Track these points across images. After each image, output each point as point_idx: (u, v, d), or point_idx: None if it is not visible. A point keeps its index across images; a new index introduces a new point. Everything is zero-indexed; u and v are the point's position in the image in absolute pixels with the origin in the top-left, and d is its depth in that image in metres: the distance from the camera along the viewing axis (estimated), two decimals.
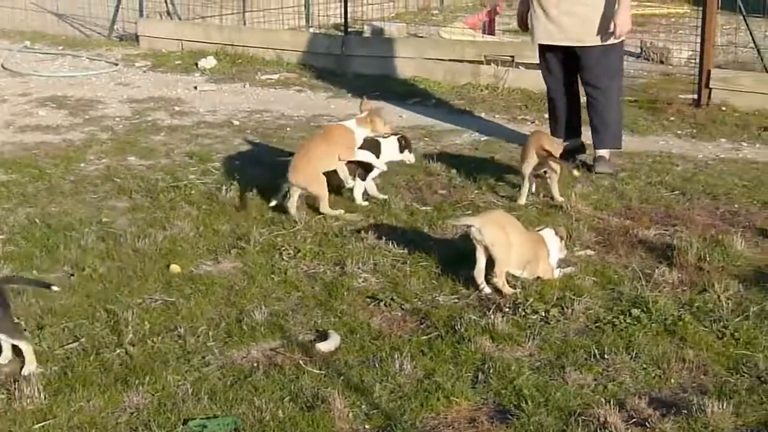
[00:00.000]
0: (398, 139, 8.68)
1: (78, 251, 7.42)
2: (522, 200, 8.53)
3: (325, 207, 8.18)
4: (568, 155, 9.18)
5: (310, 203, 8.28)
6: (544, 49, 9.71)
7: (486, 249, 6.66)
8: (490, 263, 6.70)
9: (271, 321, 6.30)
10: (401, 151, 8.68)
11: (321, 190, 8.19)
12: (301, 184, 8.17)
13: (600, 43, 9.26)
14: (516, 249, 6.72)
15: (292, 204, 8.15)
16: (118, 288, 6.78)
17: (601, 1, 9.15)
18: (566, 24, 9.31)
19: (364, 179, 8.58)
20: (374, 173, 8.62)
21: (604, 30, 9.17)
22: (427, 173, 9.26)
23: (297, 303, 6.62)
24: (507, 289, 6.67)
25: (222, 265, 7.25)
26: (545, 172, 8.56)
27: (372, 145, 8.49)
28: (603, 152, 9.46)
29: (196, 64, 14.46)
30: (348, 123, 8.43)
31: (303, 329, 6.24)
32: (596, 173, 9.23)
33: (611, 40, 9.22)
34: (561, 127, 9.72)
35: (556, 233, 7.04)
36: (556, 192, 8.53)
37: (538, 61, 10.03)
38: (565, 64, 9.58)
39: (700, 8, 11.93)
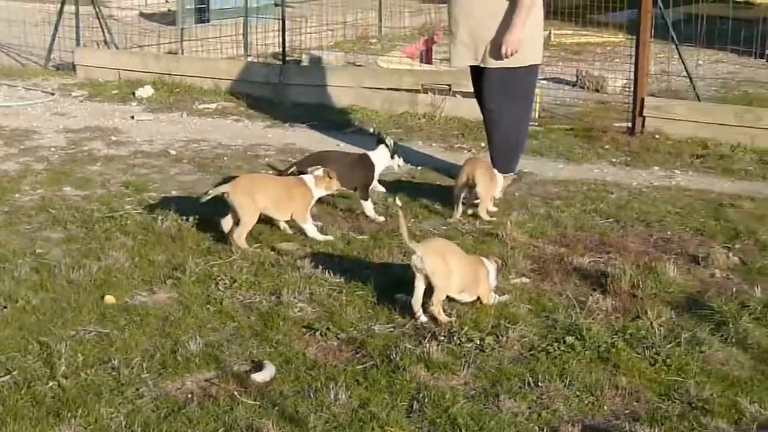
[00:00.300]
0: (385, 145, 9.09)
1: (11, 283, 7.35)
2: (455, 217, 8.81)
3: (241, 237, 8.08)
4: None
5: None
6: (470, 73, 9.83)
7: (426, 277, 6.68)
8: (428, 291, 6.73)
9: (206, 352, 6.28)
10: (392, 157, 9.15)
11: (249, 218, 8.12)
12: (234, 202, 8.07)
13: (500, 66, 9.31)
14: (456, 274, 6.75)
15: (227, 223, 8.17)
16: (52, 320, 6.72)
17: (503, 23, 9.20)
18: (473, 46, 9.39)
19: (366, 198, 8.90)
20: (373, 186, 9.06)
21: (501, 52, 9.25)
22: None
23: (232, 333, 6.60)
24: (443, 318, 6.68)
25: (157, 296, 7.22)
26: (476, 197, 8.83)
27: (365, 164, 8.90)
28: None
29: (134, 94, 14.41)
30: (307, 179, 8.39)
31: (238, 360, 6.22)
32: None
33: (512, 63, 9.26)
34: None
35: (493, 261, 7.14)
36: (482, 213, 8.79)
37: None
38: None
39: (634, 37, 12.06)
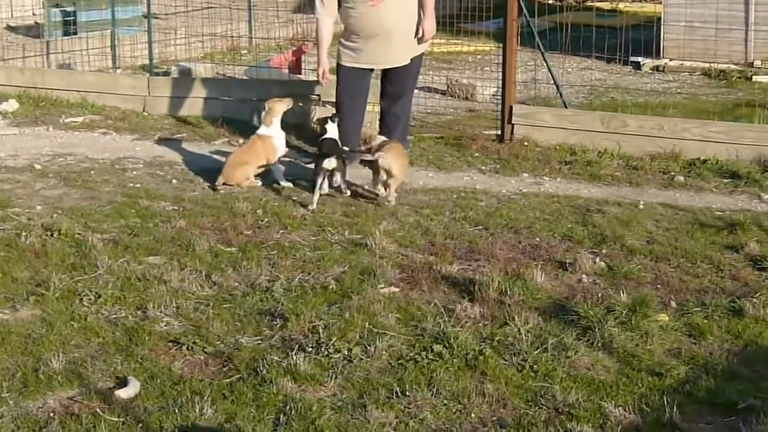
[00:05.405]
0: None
1: None
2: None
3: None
4: None
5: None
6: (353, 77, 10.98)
7: (387, 171, 9.29)
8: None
9: (69, 369, 6.17)
10: None
11: None
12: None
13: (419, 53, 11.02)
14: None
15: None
16: None
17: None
18: (406, 44, 10.78)
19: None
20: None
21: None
22: (232, 214, 9.18)
23: (97, 349, 6.50)
24: (394, 200, 9.45)
25: (19, 313, 7.07)
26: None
27: None
28: None
29: None
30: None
31: (102, 376, 6.13)
32: None
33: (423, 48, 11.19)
34: None
35: None
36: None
37: None
38: None
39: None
